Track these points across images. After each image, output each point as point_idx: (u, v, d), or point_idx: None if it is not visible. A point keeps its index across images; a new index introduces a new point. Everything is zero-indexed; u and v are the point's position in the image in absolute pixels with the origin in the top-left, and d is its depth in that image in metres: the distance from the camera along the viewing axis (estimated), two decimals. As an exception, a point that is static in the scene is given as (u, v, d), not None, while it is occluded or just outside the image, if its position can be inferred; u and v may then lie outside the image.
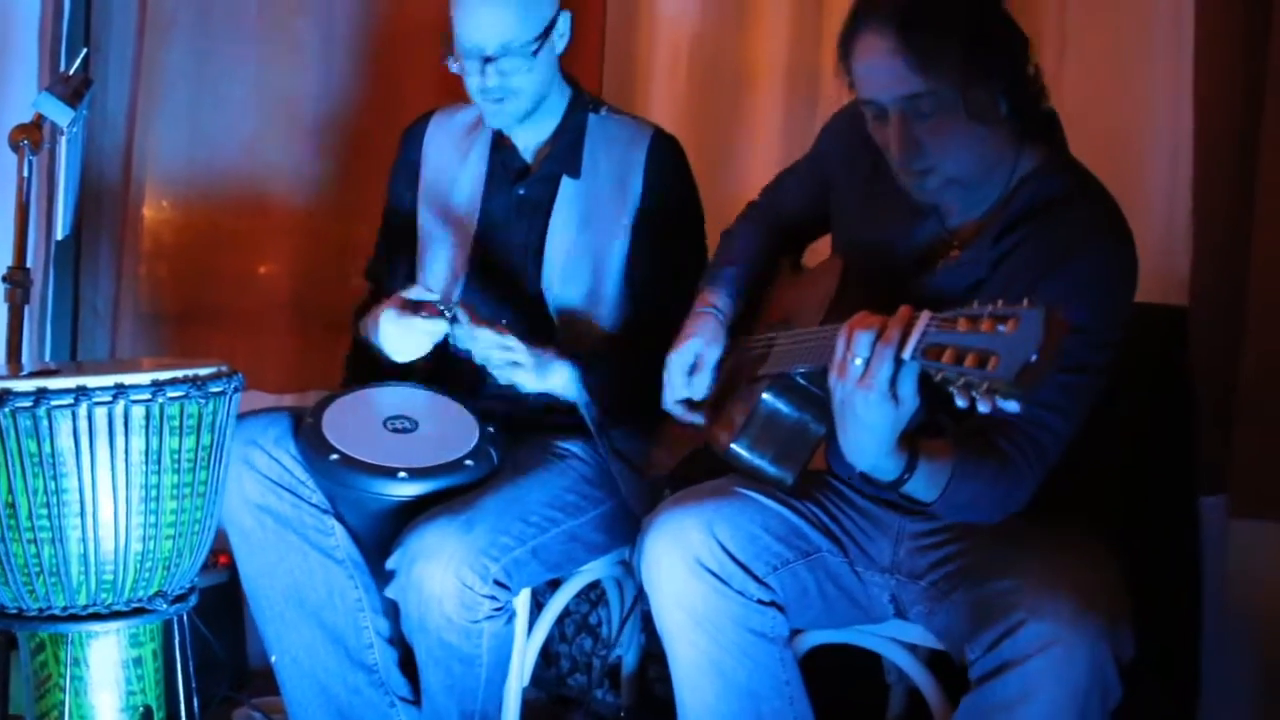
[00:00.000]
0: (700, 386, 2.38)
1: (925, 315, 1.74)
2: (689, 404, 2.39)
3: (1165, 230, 2.70)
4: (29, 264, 2.77)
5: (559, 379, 2.57)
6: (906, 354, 1.74)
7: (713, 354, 2.38)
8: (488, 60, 2.59)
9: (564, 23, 2.67)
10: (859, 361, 1.80)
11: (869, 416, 1.83)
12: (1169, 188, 2.73)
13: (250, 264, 3.66)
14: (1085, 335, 1.98)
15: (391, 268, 2.87)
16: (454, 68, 2.65)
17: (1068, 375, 1.97)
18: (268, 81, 3.57)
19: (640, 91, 3.33)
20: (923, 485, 1.95)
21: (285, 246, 3.62)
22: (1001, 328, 1.62)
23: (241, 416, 2.44)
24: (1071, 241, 2.05)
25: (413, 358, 2.63)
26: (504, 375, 2.54)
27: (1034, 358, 1.58)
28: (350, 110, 3.55)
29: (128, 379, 2.13)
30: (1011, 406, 1.63)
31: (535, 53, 2.61)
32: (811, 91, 3.13)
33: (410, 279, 2.76)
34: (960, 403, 1.66)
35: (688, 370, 2.38)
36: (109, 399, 2.11)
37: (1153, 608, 2.12)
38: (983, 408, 1.65)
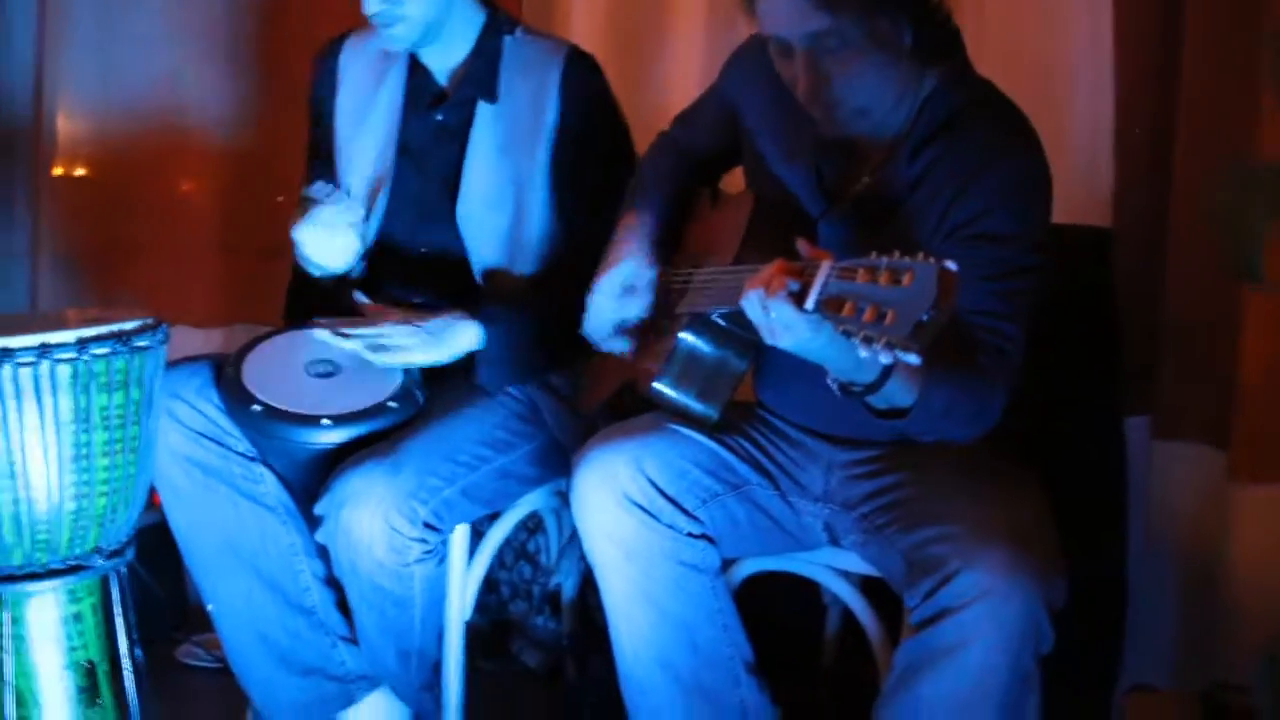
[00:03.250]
0: (635, 308, 2.35)
1: (825, 266, 1.74)
2: (621, 328, 2.36)
3: (1089, 155, 2.72)
4: (-57, 213, 2.73)
5: (467, 339, 2.53)
6: (809, 305, 1.74)
7: (647, 275, 2.35)
8: None
9: None
10: (773, 315, 1.80)
11: (812, 341, 1.82)
12: (1093, 113, 2.73)
13: (171, 197, 3.61)
14: (1016, 242, 2.03)
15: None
16: None
17: (1010, 282, 2.02)
18: (179, 11, 3.50)
19: (560, 10, 3.28)
20: (901, 388, 1.92)
21: (207, 177, 3.58)
22: (902, 278, 1.64)
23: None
24: (984, 153, 2.06)
25: (344, 259, 2.62)
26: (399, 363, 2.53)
27: (926, 316, 1.61)
28: (269, 37, 3.48)
29: (52, 338, 2.11)
30: (912, 359, 1.65)
31: None
32: (732, 11, 3.08)
33: None
34: (863, 353, 1.67)
35: (619, 293, 2.35)
36: (33, 359, 2.09)
37: (1081, 526, 2.17)
38: (885, 359, 1.67)
